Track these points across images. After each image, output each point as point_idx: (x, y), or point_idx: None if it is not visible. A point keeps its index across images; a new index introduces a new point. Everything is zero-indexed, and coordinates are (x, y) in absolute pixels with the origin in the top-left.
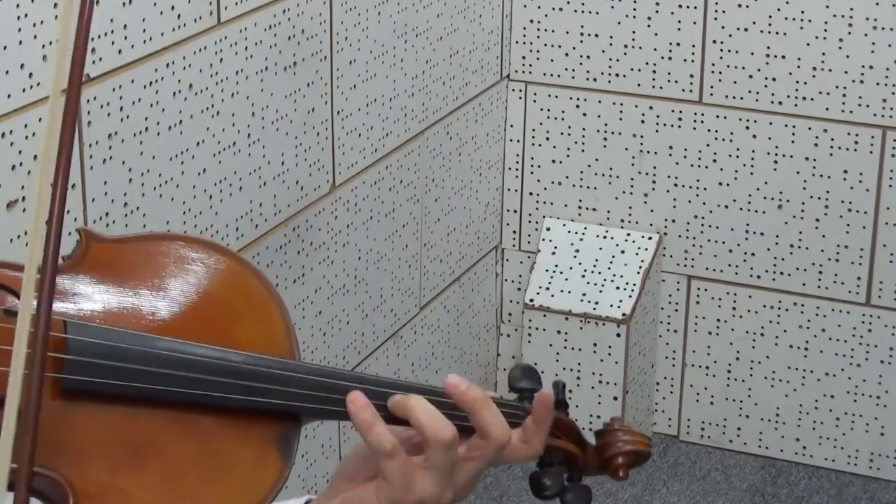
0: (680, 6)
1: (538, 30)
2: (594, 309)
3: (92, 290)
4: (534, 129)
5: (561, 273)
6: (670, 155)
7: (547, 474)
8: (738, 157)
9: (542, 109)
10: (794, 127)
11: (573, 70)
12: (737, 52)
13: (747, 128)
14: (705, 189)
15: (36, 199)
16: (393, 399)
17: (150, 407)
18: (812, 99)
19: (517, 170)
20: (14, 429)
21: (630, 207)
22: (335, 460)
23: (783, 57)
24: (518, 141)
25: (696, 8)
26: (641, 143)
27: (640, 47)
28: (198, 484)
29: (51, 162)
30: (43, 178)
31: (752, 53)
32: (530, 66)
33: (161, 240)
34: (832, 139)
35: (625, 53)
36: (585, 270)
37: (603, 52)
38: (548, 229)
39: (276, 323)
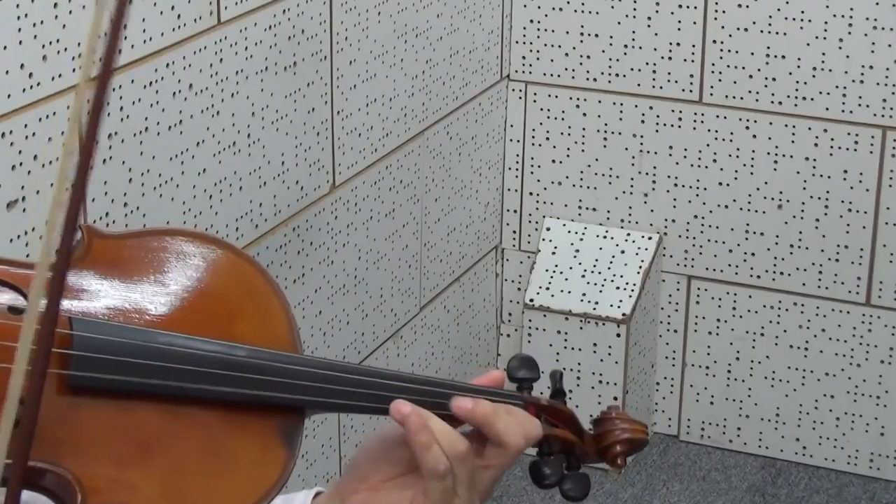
0: (680, 6)
1: (538, 30)
2: (594, 309)
3: (95, 286)
4: (534, 129)
5: (561, 273)
6: (670, 155)
7: (546, 463)
8: (738, 157)
9: (542, 109)
10: (794, 127)
11: (573, 70)
12: (737, 52)
13: (747, 128)
14: (705, 189)
15: (55, 193)
16: (409, 418)
17: (155, 402)
18: (812, 99)
19: (517, 170)
20: (12, 424)
21: (630, 207)
22: (335, 460)
23: (783, 57)
24: (518, 141)
25: (696, 8)
26: (641, 143)
27: (640, 47)
28: (204, 478)
29: (71, 156)
30: (62, 173)
31: (752, 53)
32: (530, 66)
33: (163, 235)
34: (832, 139)
35: (625, 53)
36: (585, 270)
37: (603, 52)
38: (548, 229)
39: (278, 317)
